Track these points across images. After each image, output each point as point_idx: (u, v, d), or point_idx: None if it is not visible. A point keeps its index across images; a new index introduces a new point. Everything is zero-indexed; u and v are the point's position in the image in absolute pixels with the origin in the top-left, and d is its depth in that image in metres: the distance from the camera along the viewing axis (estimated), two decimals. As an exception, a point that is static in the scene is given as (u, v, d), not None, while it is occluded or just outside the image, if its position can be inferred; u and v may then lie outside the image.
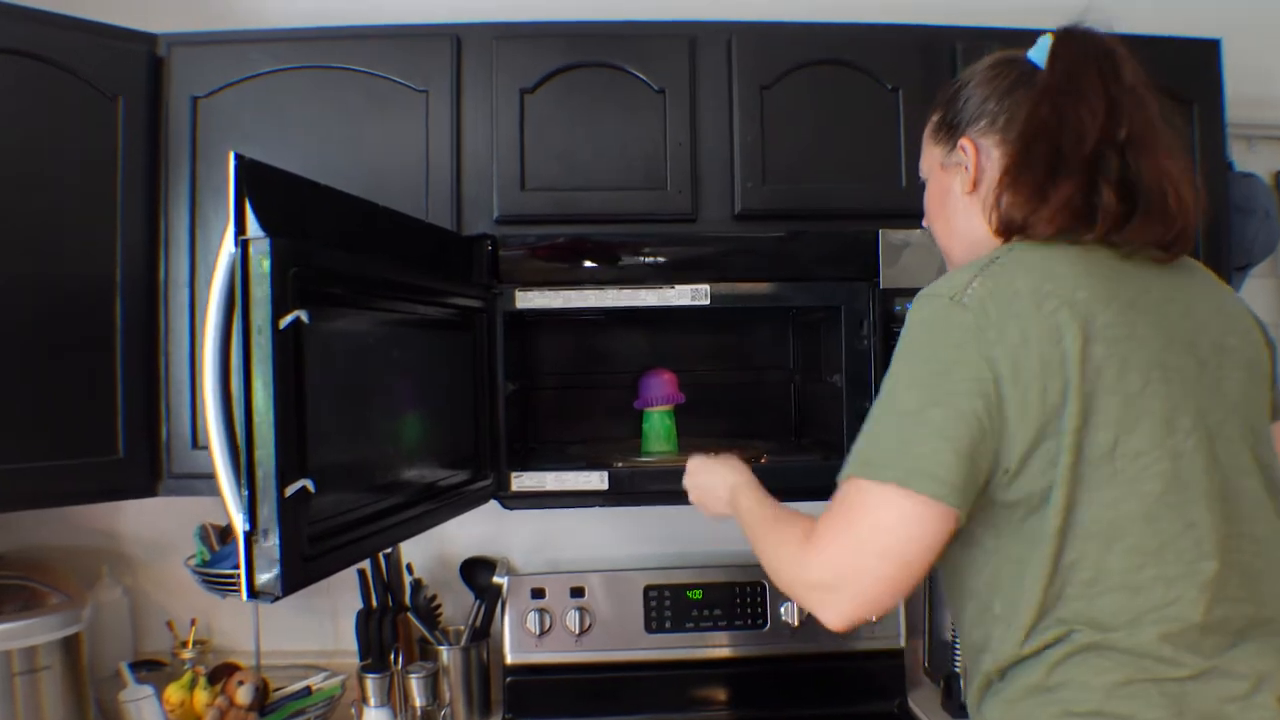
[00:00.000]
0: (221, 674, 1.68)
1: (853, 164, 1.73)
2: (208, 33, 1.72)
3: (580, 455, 1.81)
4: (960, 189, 1.13)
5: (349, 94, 1.69)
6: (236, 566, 1.65)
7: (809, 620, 1.94)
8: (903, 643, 1.95)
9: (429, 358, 1.46)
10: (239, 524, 0.98)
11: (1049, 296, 0.93)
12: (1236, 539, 0.94)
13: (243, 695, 1.65)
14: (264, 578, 0.98)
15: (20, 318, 1.50)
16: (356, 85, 1.69)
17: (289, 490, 0.98)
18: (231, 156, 0.98)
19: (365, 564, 1.87)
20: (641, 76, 1.71)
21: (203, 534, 1.81)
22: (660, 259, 1.66)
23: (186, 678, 1.65)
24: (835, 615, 0.93)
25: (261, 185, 1.01)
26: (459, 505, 1.51)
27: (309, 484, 1.00)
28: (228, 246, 1.00)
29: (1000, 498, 0.95)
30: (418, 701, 1.73)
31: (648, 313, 1.79)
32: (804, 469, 1.73)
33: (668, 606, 1.95)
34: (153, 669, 1.85)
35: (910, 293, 1.66)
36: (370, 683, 1.71)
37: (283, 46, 1.69)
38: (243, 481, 0.98)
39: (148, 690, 1.73)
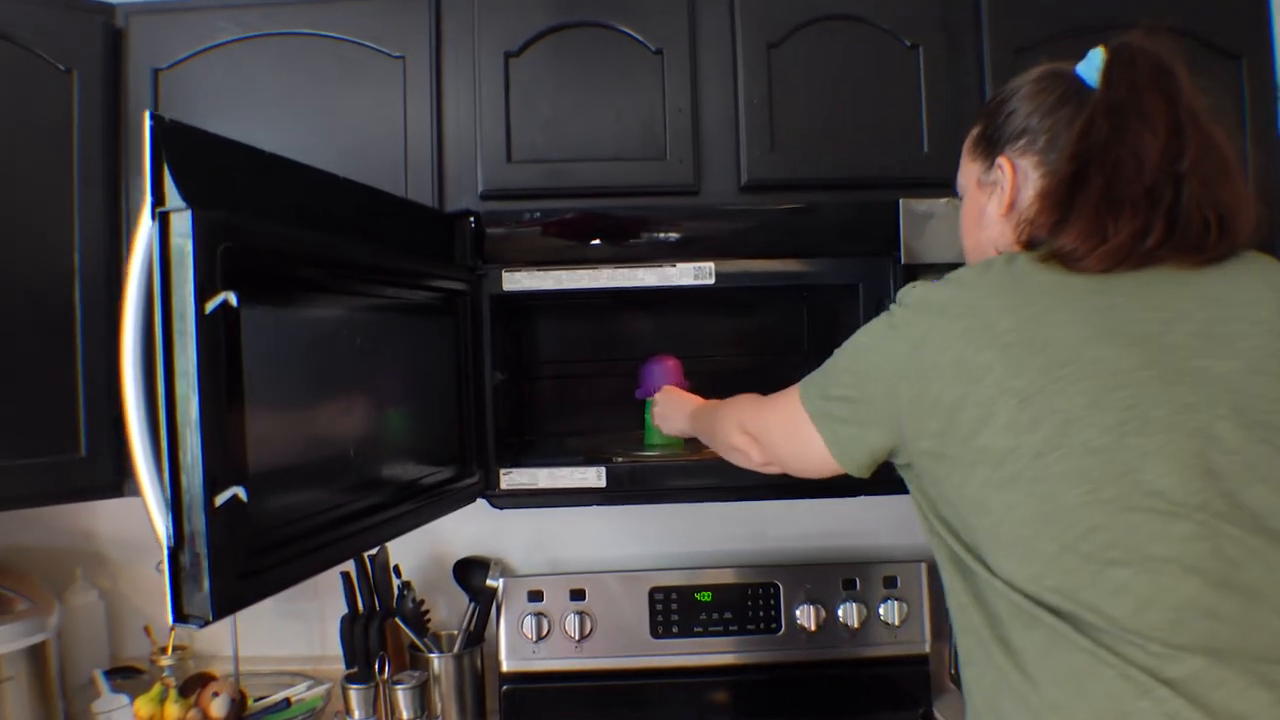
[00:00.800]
0: (195, 685, 1.57)
1: (870, 128, 1.58)
2: (169, 1, 1.59)
3: (578, 449, 1.68)
4: (995, 210, 1.06)
5: (320, 62, 1.56)
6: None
7: (827, 625, 1.81)
8: (928, 648, 1.81)
9: (404, 346, 1.33)
10: (163, 538, 0.86)
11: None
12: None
13: (217, 708, 1.54)
14: (192, 599, 0.86)
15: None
16: (328, 52, 1.56)
17: (219, 499, 0.86)
18: (146, 117, 0.85)
19: (349, 566, 1.75)
20: (637, 36, 1.57)
21: (175, 536, 1.70)
22: (660, 235, 1.53)
23: (156, 690, 1.54)
24: None
25: (186, 151, 0.89)
26: (441, 506, 1.38)
27: (240, 492, 0.87)
28: (145, 221, 0.87)
29: None
30: (405, 714, 1.61)
31: (650, 294, 1.66)
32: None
33: (675, 610, 1.82)
34: (129, 676, 1.74)
35: (935, 268, 1.53)
36: (354, 694, 1.60)
37: (249, 13, 1.57)
38: (166, 490, 0.85)
39: (123, 700, 1.63)
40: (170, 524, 0.85)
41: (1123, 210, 0.89)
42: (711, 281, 1.53)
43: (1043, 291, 0.90)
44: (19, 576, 1.67)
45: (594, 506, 1.66)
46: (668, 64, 1.57)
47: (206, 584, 0.85)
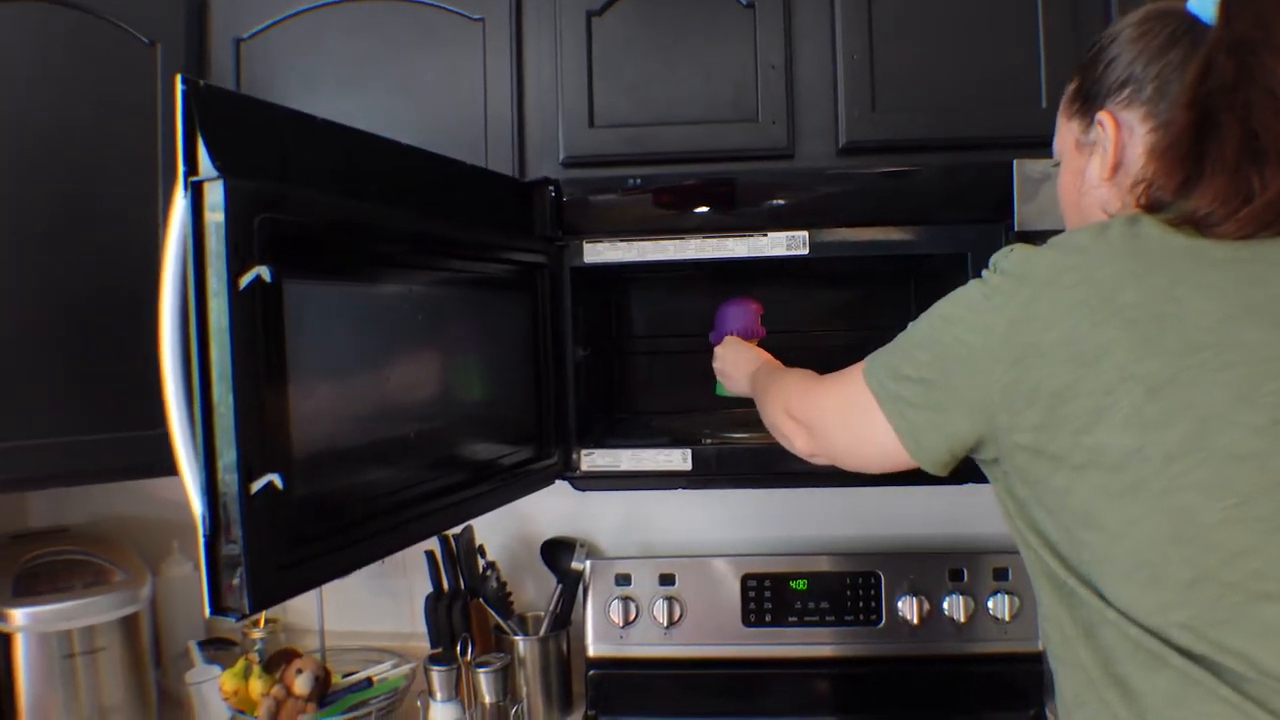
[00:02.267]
0: (280, 661, 1.57)
1: (981, 83, 1.44)
2: (248, -32, 1.57)
3: (666, 429, 1.60)
4: (1098, 173, 0.92)
5: (397, 27, 1.51)
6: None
7: (931, 618, 1.68)
8: (1040, 645, 1.66)
9: (476, 321, 1.28)
10: (200, 526, 0.82)
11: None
12: None
13: (300, 685, 1.53)
14: (228, 591, 0.82)
15: (56, 282, 1.40)
16: (405, 17, 1.51)
17: (254, 487, 0.81)
18: (179, 81, 0.80)
19: (434, 544, 1.72)
20: (726, -13, 1.46)
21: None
22: (750, 202, 1.42)
23: (240, 665, 1.54)
24: None
25: (224, 117, 0.84)
26: (516, 489, 1.32)
27: (276, 479, 0.82)
28: (181, 192, 0.83)
29: None
30: (487, 698, 1.58)
31: (742, 266, 1.55)
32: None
33: (768, 598, 1.73)
34: (222, 648, 1.76)
35: (1051, 234, 1.37)
36: (436, 675, 1.57)
37: (328, -23, 1.53)
38: (201, 476, 0.81)
39: (215, 670, 1.64)
40: (206, 511, 0.81)
41: (1268, 161, 0.74)
42: (805, 251, 1.42)
43: (1175, 259, 0.75)
44: (116, 548, 1.70)
45: (681, 490, 1.58)
46: (760, 18, 1.46)
47: (242, 575, 0.81)
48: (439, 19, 1.50)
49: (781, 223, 1.42)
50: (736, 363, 1.42)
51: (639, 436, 1.56)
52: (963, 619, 1.67)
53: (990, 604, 1.67)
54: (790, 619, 1.72)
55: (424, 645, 1.78)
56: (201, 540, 0.82)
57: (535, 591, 1.88)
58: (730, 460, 1.47)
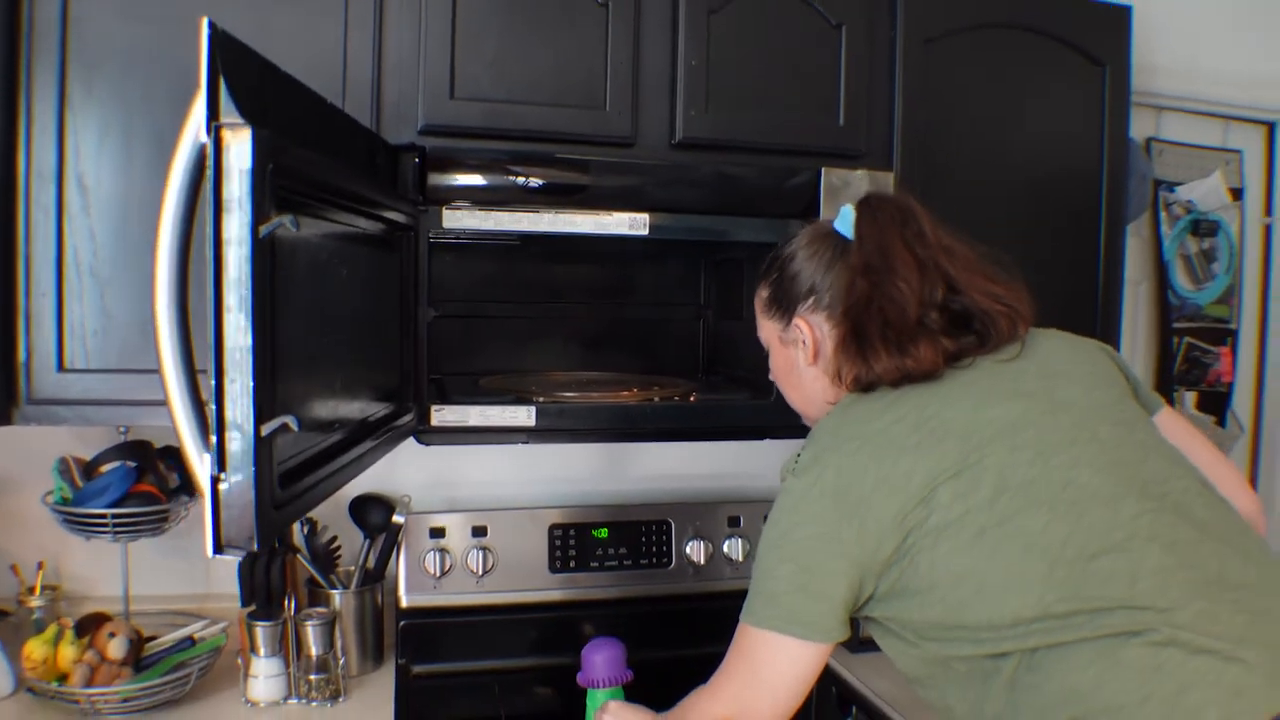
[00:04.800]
0: (89, 625, 1.48)
1: (796, 99, 1.68)
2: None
3: (491, 389, 1.70)
4: (804, 361, 1.19)
5: (255, -28, 1.47)
6: (110, 505, 1.47)
7: (713, 559, 1.94)
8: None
9: (366, 278, 1.31)
10: (203, 467, 0.84)
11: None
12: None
13: (115, 649, 1.46)
14: (235, 528, 0.84)
15: None
16: (264, -37, 1.47)
17: (266, 428, 0.84)
18: (204, 24, 0.81)
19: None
20: (585, -16, 1.58)
21: (62, 468, 1.58)
22: (600, 183, 1.56)
23: (51, 631, 1.44)
24: None
25: (236, 65, 0.85)
26: (389, 442, 1.38)
27: (291, 421, 0.86)
28: (192, 135, 0.83)
29: None
30: (314, 650, 1.59)
31: (557, 241, 1.68)
32: (739, 407, 1.70)
33: (572, 546, 1.89)
34: (-5, 619, 1.62)
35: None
36: (260, 631, 1.56)
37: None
38: (210, 419, 0.83)
39: (-11, 642, 1.51)
40: (215, 454, 0.83)
41: (905, 341, 1.05)
42: (645, 233, 1.59)
43: (906, 399, 1.04)
44: None
45: (516, 445, 1.68)
46: (613, 16, 1.60)
47: (253, 512, 0.84)
48: (301, -29, 1.48)
49: (624, 204, 1.57)
50: None
51: (467, 394, 1.65)
52: (740, 559, 1.94)
53: (763, 545, 1.95)
54: (592, 565, 1.90)
55: (222, 605, 1.75)
56: (208, 482, 0.83)
57: (344, 547, 1.89)
58: (570, 415, 1.61)
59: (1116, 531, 0.94)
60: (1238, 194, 2.69)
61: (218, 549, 0.84)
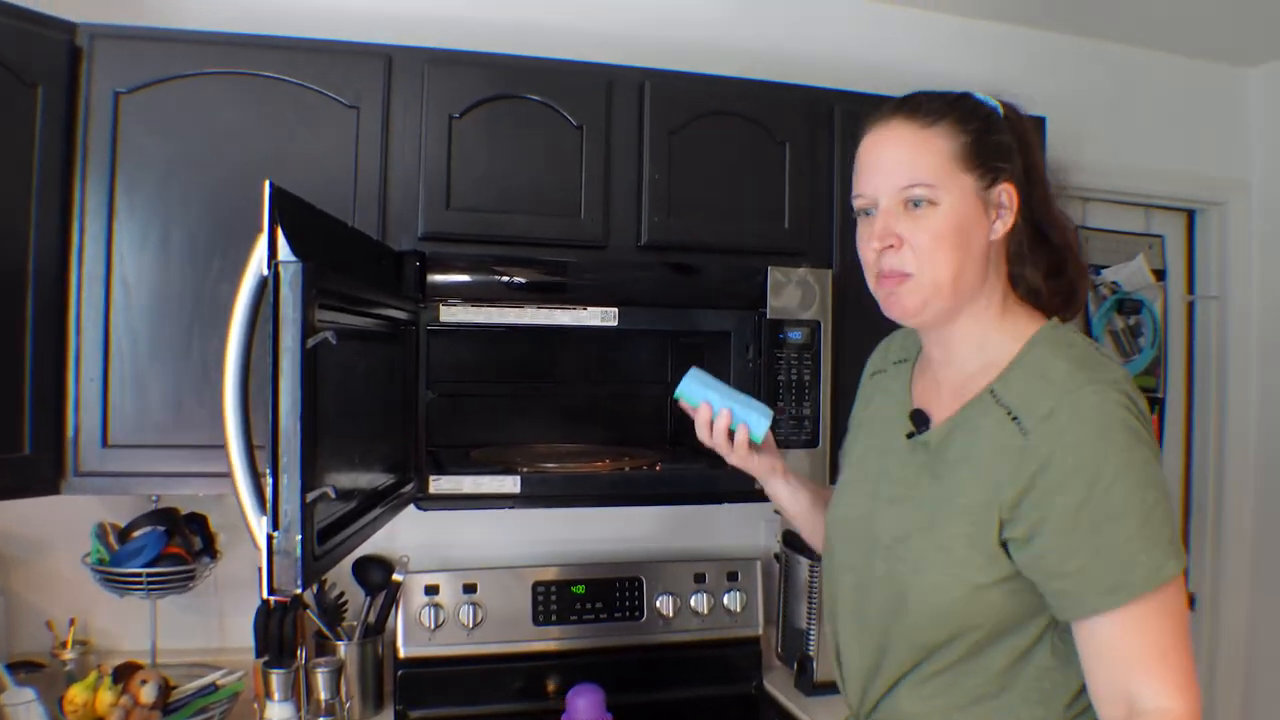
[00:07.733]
0: (124, 674, 1.67)
1: (747, 207, 1.95)
2: (132, 27, 1.69)
3: (484, 460, 1.93)
4: (995, 231, 1.10)
5: (279, 104, 1.72)
6: (145, 565, 1.67)
7: (681, 612, 2.15)
8: (760, 631, 2.19)
9: (376, 367, 1.54)
10: (260, 526, 1.06)
11: None
12: None
13: (147, 694, 1.65)
14: (284, 575, 1.06)
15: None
16: (287, 95, 1.73)
17: (310, 496, 1.07)
18: (267, 186, 1.05)
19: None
20: (563, 112, 1.85)
21: (100, 532, 1.78)
22: (577, 282, 1.81)
23: (91, 678, 1.63)
24: None
25: (288, 211, 1.09)
26: (395, 508, 1.60)
27: (330, 490, 1.09)
28: (256, 269, 1.07)
29: None
30: (323, 695, 1.79)
31: (538, 328, 1.91)
32: (698, 475, 1.92)
33: (554, 601, 2.10)
34: (31, 670, 1.80)
35: (791, 324, 1.90)
36: (275, 677, 1.75)
37: (212, 50, 1.70)
38: (266, 488, 1.05)
39: (29, 694, 1.69)
40: (270, 516, 1.05)
41: (1079, 279, 1.19)
42: (615, 323, 1.83)
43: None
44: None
45: (504, 509, 1.90)
46: (587, 138, 1.87)
47: (299, 563, 1.06)
48: (318, 102, 1.73)
49: (597, 299, 1.82)
50: None
51: (460, 465, 1.87)
52: (705, 612, 2.16)
53: (725, 599, 2.17)
54: (572, 618, 2.11)
55: (238, 658, 1.93)
56: (264, 538, 1.05)
57: (348, 603, 2.09)
58: (551, 483, 1.83)
59: None
60: (1160, 275, 2.99)
61: (271, 591, 1.06)
